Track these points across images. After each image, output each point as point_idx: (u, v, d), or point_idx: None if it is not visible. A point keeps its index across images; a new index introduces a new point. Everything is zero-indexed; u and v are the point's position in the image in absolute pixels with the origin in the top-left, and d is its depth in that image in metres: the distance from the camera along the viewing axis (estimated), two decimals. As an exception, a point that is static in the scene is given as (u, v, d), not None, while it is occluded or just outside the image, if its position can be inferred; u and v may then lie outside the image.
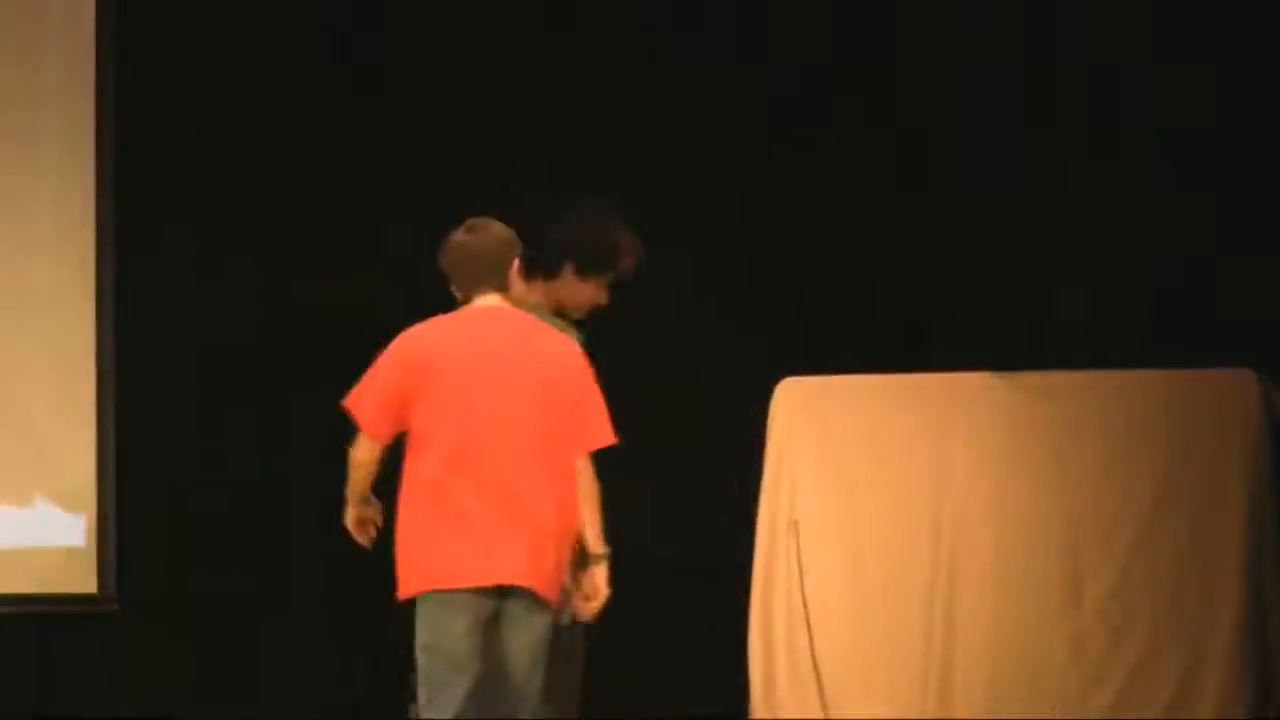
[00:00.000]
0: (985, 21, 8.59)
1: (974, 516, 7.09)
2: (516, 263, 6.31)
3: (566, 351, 6.25)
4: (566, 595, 6.00)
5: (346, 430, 7.58)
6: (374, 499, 6.21)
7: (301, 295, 8.54)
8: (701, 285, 8.43)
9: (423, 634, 5.89)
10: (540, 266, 6.41)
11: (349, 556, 7.76)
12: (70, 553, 8.17)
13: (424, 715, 5.90)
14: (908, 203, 8.71)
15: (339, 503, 8.03)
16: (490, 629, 5.94)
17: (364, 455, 6.15)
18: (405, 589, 5.92)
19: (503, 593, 5.90)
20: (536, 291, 6.39)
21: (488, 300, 6.26)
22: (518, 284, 6.36)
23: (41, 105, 8.28)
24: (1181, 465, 6.92)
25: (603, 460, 7.00)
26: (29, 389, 8.18)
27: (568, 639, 6.13)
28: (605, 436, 6.25)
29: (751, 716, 7.15)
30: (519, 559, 5.99)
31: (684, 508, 8.32)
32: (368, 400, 6.19)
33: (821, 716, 7.10)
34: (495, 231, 6.24)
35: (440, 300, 6.71)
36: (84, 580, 8.14)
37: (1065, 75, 8.75)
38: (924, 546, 7.11)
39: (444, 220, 6.87)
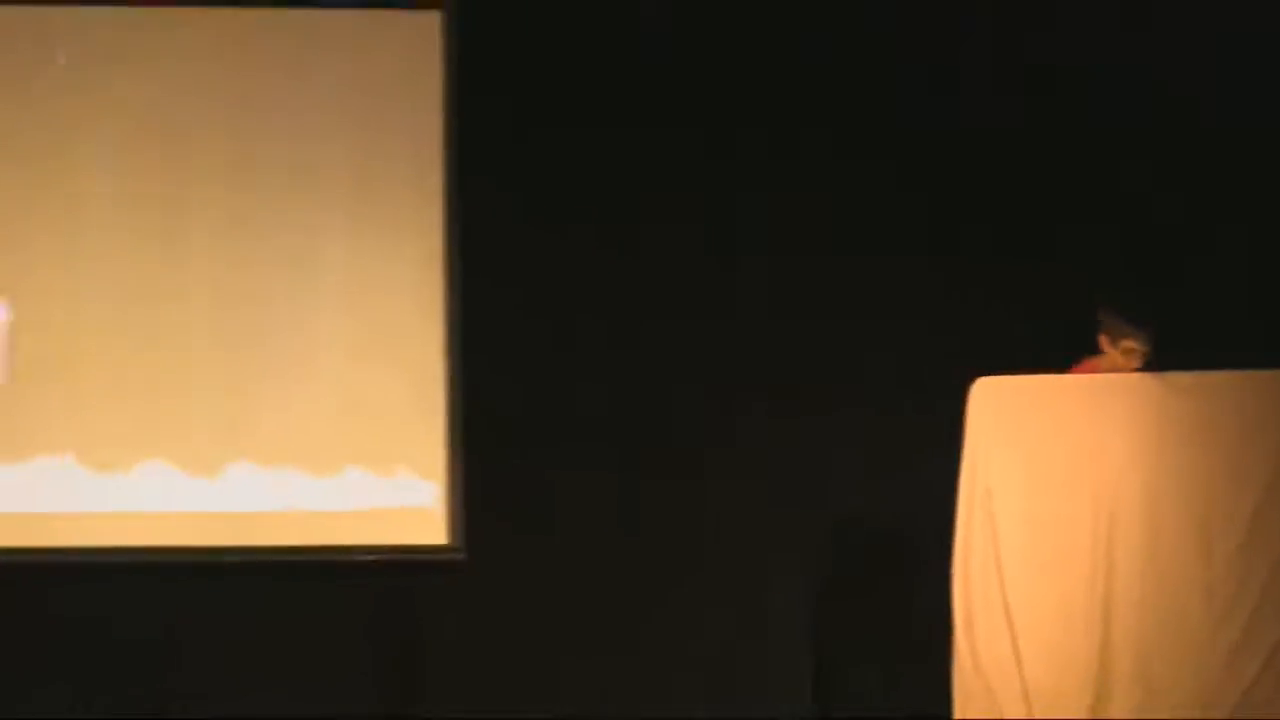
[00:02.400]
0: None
1: (1130, 497, 8.22)
2: (1101, 336, 8.32)
3: None
4: None
5: (655, 432, 9.21)
6: None
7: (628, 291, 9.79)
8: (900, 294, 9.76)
9: None
10: None
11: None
12: (425, 512, 9.63)
13: None
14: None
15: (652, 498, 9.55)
16: None
17: None
18: None
19: None
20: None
21: None
22: (1106, 356, 8.44)
23: (392, 165, 9.68)
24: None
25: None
26: (392, 381, 9.62)
27: None
28: None
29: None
30: None
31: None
32: None
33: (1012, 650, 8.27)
34: None
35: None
36: (435, 534, 9.63)
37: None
38: (1086, 518, 8.20)
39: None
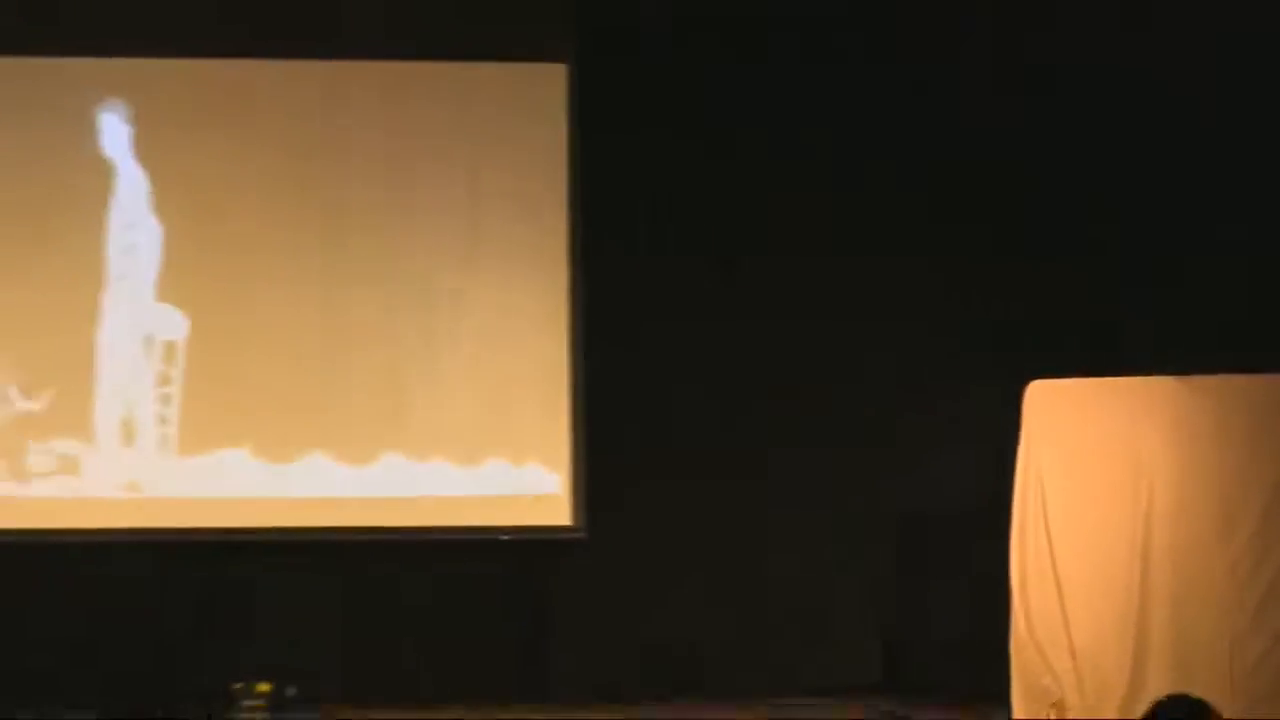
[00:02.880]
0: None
1: (1162, 485, 9.16)
2: None
3: None
4: None
5: (740, 435, 10.21)
6: None
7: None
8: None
9: None
10: None
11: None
12: (551, 498, 10.79)
13: None
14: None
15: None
16: None
17: None
18: None
19: None
20: None
21: None
22: None
23: (524, 201, 10.82)
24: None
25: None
26: (525, 389, 10.79)
27: None
28: None
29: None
30: None
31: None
32: None
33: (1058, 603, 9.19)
34: None
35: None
36: (560, 517, 10.79)
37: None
38: (1127, 505, 9.15)
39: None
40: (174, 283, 10.85)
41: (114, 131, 10.84)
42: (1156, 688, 8.80)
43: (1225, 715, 6.31)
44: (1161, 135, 10.60)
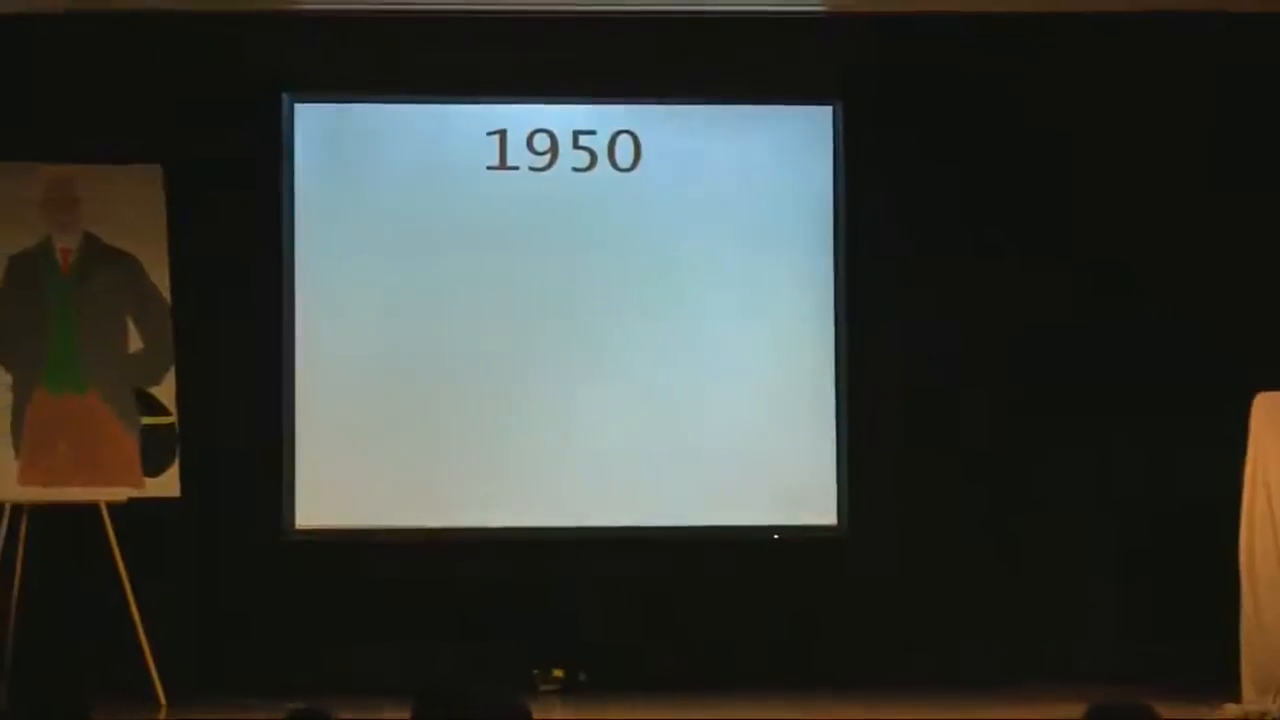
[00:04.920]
0: None
1: None
2: None
3: None
4: None
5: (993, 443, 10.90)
6: None
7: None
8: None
9: None
10: None
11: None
12: (817, 501, 11.44)
13: None
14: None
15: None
16: None
17: None
18: None
19: None
20: None
21: None
22: None
23: (793, 224, 11.51)
24: None
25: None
26: (793, 406, 11.46)
27: None
28: None
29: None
30: None
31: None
32: None
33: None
34: None
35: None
36: (826, 517, 11.45)
37: None
38: None
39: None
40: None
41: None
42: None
43: None
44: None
